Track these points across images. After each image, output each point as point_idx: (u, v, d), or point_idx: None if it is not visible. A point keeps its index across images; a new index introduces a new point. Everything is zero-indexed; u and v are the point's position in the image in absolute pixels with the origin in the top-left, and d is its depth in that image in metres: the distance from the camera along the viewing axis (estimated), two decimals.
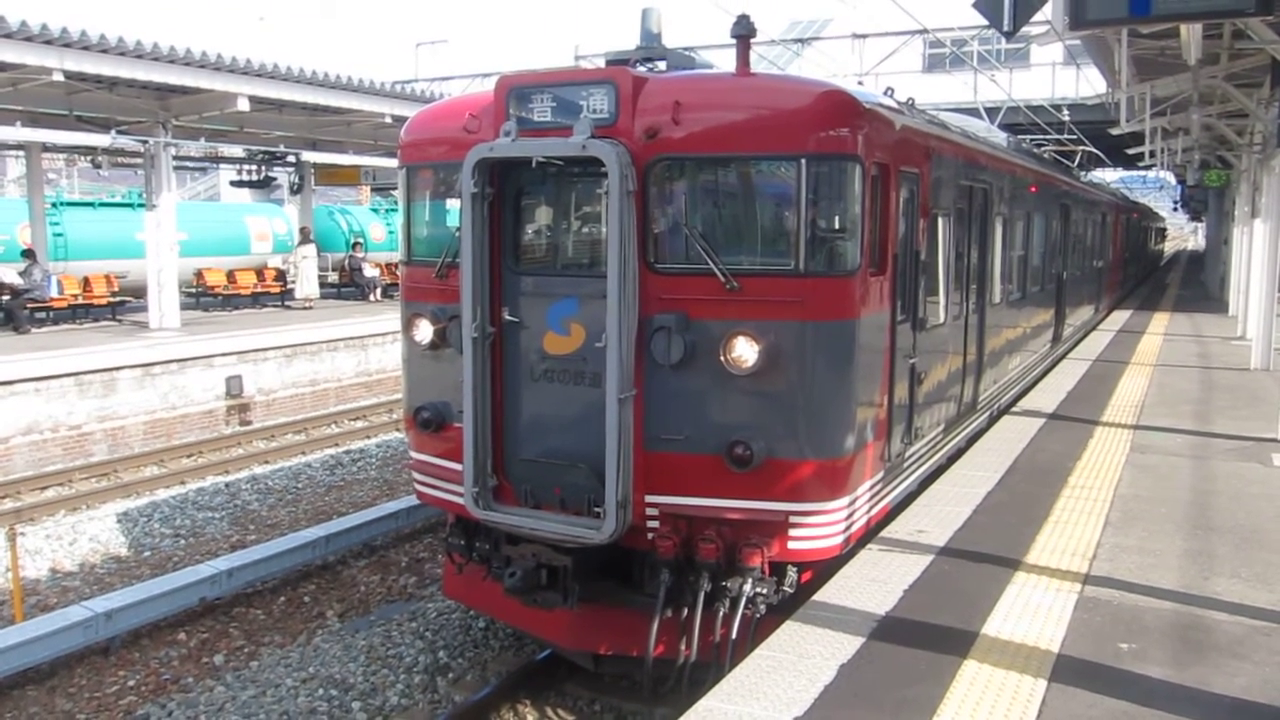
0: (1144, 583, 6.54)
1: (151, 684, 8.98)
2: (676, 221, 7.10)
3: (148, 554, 12.23)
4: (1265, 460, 9.93)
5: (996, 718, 4.74)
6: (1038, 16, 8.01)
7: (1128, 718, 4.76)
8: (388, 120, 22.89)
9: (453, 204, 7.96)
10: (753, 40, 7.31)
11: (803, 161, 6.70)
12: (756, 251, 7.10)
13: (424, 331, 7.96)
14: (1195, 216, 64.06)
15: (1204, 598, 6.31)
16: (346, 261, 31.61)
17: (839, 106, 6.95)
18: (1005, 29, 6.71)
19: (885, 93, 8.16)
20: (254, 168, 30.73)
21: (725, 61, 8.64)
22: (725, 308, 6.80)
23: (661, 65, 7.72)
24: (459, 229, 7.48)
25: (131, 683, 8.97)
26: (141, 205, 23.53)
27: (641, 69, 7.43)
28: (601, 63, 8.21)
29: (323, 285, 29.32)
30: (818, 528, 6.96)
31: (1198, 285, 38.25)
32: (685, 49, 9.09)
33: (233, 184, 32.33)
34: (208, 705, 8.51)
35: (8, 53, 15.29)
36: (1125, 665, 5.33)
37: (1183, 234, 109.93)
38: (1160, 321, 23.53)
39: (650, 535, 7.11)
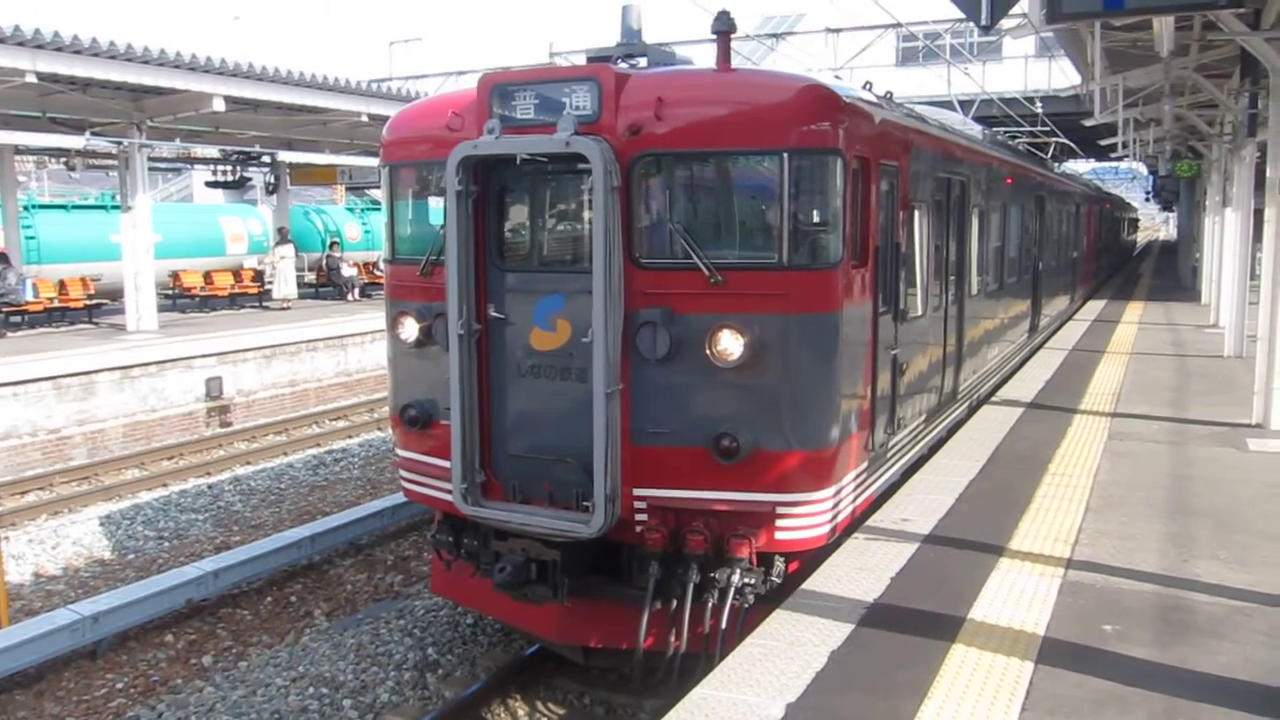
0: (1125, 566, 6.65)
1: (140, 686, 8.96)
2: (660, 217, 7.17)
3: (131, 557, 12.19)
4: (1240, 445, 10.09)
5: (985, 699, 4.83)
6: (1013, 10, 8.10)
7: (1113, 697, 4.86)
8: (364, 119, 22.85)
9: (436, 202, 7.98)
10: (732, 36, 7.38)
11: (785, 156, 6.77)
12: (740, 245, 7.17)
13: (409, 329, 7.98)
14: (1167, 207, 64.76)
15: (1184, 580, 6.43)
16: (324, 261, 31.50)
17: (820, 101, 7.02)
18: (983, 23, 6.78)
19: (864, 87, 8.24)
20: (229, 168, 30.58)
21: (702, 57, 8.72)
22: (710, 301, 6.86)
23: (643, 62, 7.78)
24: (443, 227, 7.51)
25: (120, 685, 8.96)
26: (115, 207, 23.39)
27: (623, 66, 7.48)
28: (577, 60, 8.25)
29: (300, 285, 29.21)
30: (804, 518, 7.04)
31: (1170, 275, 38.64)
32: (664, 45, 9.15)
33: (208, 185, 32.19)
34: (198, 706, 8.50)
35: None
36: (1109, 646, 5.43)
37: (1154, 224, 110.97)
38: (1134, 311, 23.79)
39: (638, 528, 7.17)
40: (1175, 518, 7.73)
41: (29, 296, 22.31)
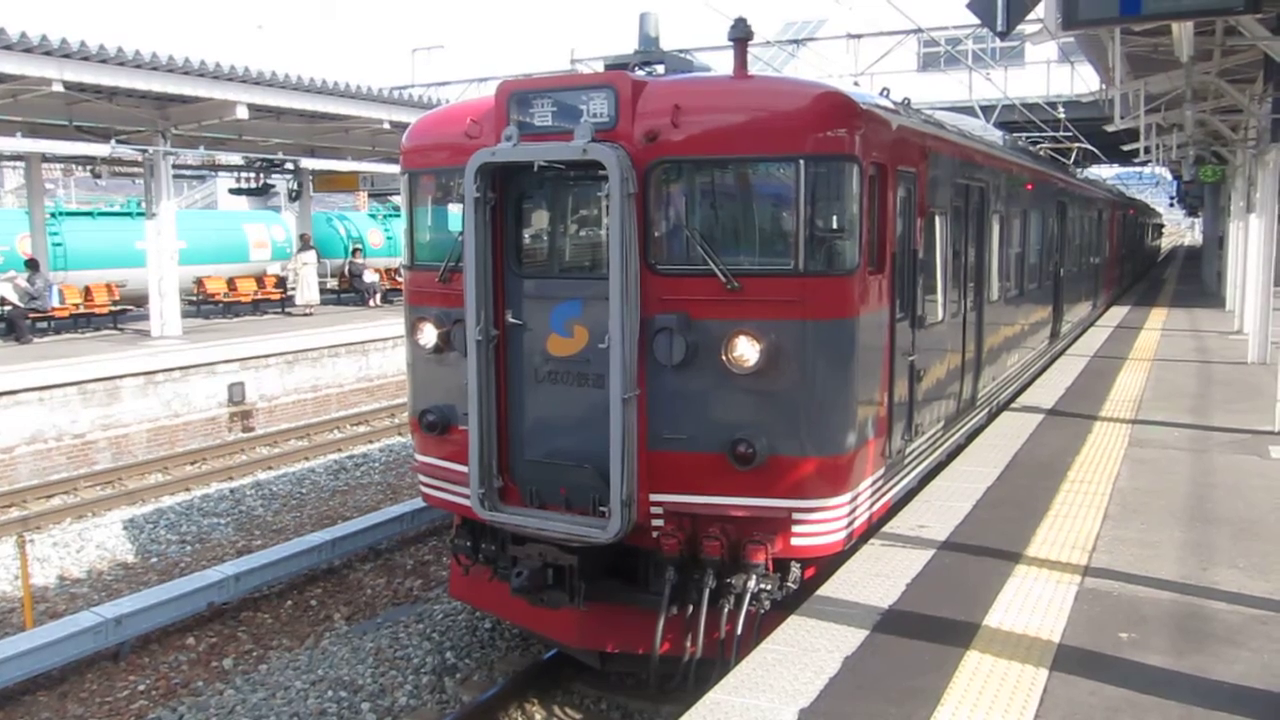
0: (1143, 574, 6.62)
1: (162, 688, 9.05)
2: (677, 223, 7.20)
3: (154, 560, 12.31)
4: (1262, 453, 10.01)
5: (999, 706, 4.83)
6: (1031, 16, 8.09)
7: (1128, 704, 4.84)
8: (385, 126, 22.98)
9: (455, 209, 8.04)
10: (749, 42, 7.41)
11: (801, 162, 6.79)
12: (756, 252, 7.19)
13: (428, 335, 8.04)
14: (1192, 212, 64.14)
15: (1202, 588, 6.39)
16: (346, 267, 31.70)
17: (836, 107, 7.04)
18: (999, 29, 6.79)
19: (881, 93, 8.24)
20: (252, 175, 30.83)
21: (721, 64, 8.75)
22: (726, 308, 6.88)
23: (660, 69, 7.81)
24: (462, 233, 7.56)
25: (142, 687, 9.06)
26: (140, 214, 23.60)
27: (640, 73, 7.53)
28: (598, 67, 8.29)
29: (322, 291, 29.39)
30: (820, 524, 7.04)
31: (1195, 280, 38.31)
32: (682, 52, 9.19)
33: (231, 192, 32.43)
34: (218, 708, 8.59)
35: (8, 64, 15.36)
36: (1125, 654, 5.42)
37: (1179, 229, 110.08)
38: (1158, 317, 23.62)
39: (655, 534, 7.19)
40: (1195, 525, 7.68)
41: (55, 302, 22.55)
